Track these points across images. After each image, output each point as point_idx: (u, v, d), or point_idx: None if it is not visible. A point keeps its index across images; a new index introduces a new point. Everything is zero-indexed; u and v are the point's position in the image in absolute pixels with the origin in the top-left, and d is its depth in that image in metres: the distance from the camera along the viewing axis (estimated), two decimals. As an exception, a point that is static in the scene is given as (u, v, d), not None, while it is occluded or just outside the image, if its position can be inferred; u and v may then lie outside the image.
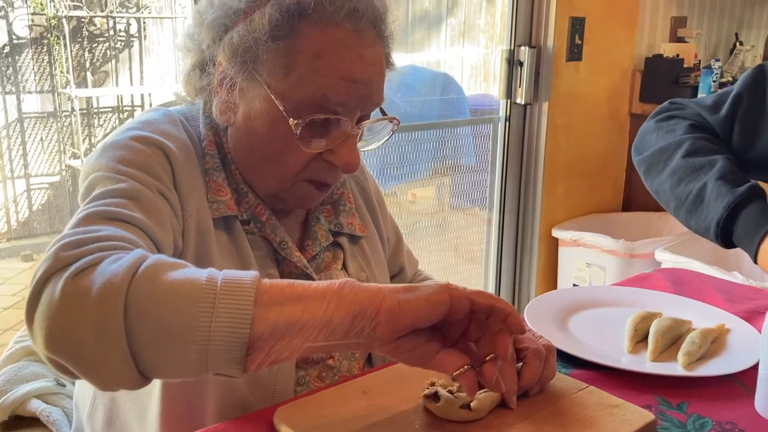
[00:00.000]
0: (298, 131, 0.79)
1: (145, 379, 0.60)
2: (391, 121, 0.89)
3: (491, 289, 2.75)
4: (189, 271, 0.60)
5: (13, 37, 4.12)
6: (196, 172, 0.84)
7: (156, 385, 0.80)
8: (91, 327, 0.57)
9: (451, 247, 2.89)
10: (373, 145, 0.90)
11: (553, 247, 2.71)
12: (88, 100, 4.37)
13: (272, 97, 0.80)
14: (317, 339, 0.60)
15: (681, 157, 1.16)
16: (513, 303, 2.78)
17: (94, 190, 0.74)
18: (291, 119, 0.79)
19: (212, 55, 0.83)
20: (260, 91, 0.81)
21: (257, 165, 0.86)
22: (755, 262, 1.04)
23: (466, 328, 0.66)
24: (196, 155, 0.85)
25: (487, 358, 0.65)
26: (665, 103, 1.30)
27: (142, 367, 0.59)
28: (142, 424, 0.82)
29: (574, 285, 2.60)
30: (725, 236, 1.08)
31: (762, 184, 1.11)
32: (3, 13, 4.01)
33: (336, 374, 0.90)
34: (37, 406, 0.91)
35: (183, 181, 0.81)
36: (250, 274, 0.60)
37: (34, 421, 0.92)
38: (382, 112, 0.88)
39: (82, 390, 0.91)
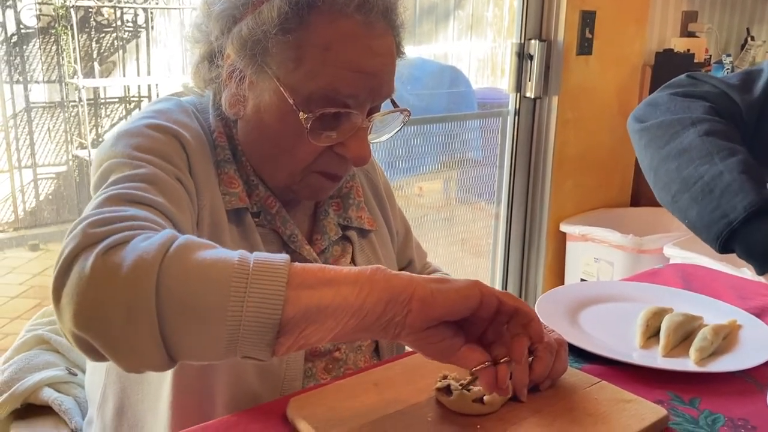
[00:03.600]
0: (309, 125, 0.79)
1: (171, 362, 0.59)
2: (401, 113, 0.88)
3: (498, 284, 2.75)
4: (220, 252, 0.60)
5: (21, 26, 4.12)
6: (209, 163, 0.84)
7: (167, 375, 0.80)
8: (122, 304, 0.56)
9: (458, 241, 2.89)
10: (384, 137, 0.90)
11: (561, 241, 2.70)
12: (95, 90, 4.38)
13: (282, 90, 0.79)
14: (348, 324, 0.59)
15: (698, 136, 1.01)
16: (520, 297, 2.78)
17: (110, 176, 0.72)
18: (301, 113, 0.78)
19: (221, 46, 0.82)
20: (270, 84, 0.80)
21: (267, 158, 0.85)
22: (760, 274, 0.98)
23: (484, 330, 0.66)
24: (208, 147, 0.85)
25: (502, 360, 0.65)
26: (682, 76, 1.17)
27: (171, 347, 0.58)
28: (153, 414, 0.83)
29: (582, 280, 2.59)
30: (728, 238, 0.98)
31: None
32: (11, 2, 4.01)
33: (342, 366, 0.90)
34: (49, 395, 0.92)
35: (198, 171, 0.81)
36: (282, 257, 0.60)
37: (46, 409, 0.92)
38: (393, 103, 0.88)
39: (93, 380, 0.91)
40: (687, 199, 1.01)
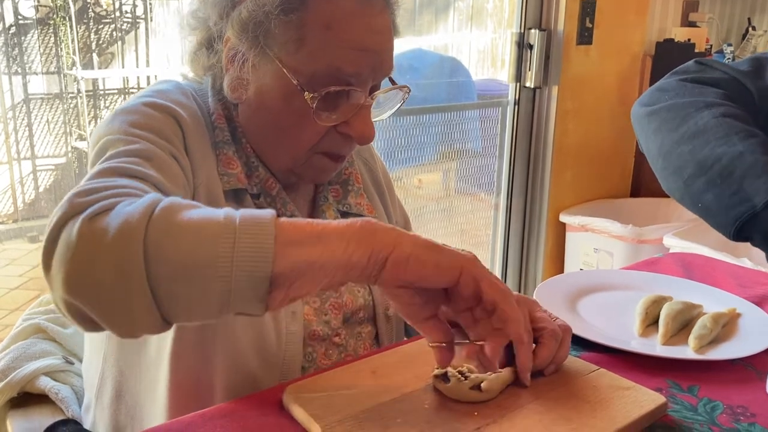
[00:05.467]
0: (314, 104, 0.79)
1: (166, 324, 0.59)
2: (401, 90, 0.89)
3: (498, 274, 2.74)
4: (205, 211, 0.60)
5: (19, 17, 4.10)
6: (206, 143, 0.84)
7: (164, 357, 0.80)
8: (110, 267, 0.56)
9: (458, 231, 2.88)
10: (385, 115, 0.91)
11: (560, 232, 2.70)
12: (94, 81, 4.36)
13: (285, 71, 0.79)
14: (336, 276, 0.60)
15: (714, 117, 0.95)
16: (519, 288, 2.78)
17: (106, 152, 0.73)
18: (306, 93, 0.79)
19: (220, 31, 0.83)
20: (272, 66, 0.80)
21: (271, 140, 0.86)
22: None
23: (472, 308, 0.66)
24: (206, 128, 0.85)
25: (464, 341, 0.68)
26: (690, 62, 1.11)
27: (164, 308, 0.58)
28: (151, 397, 0.82)
29: (582, 270, 2.59)
30: (746, 222, 0.90)
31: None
32: (9, -7, 3.99)
33: (342, 352, 0.90)
34: (45, 384, 0.91)
35: (194, 150, 0.81)
36: (267, 212, 0.60)
37: (43, 398, 0.92)
38: (391, 81, 0.88)
39: (90, 367, 0.91)
40: (702, 183, 0.92)
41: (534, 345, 0.75)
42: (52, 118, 4.30)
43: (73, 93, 4.28)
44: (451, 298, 0.66)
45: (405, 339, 1.00)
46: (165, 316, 0.58)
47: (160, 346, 0.80)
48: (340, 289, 0.91)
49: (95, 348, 0.89)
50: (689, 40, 2.76)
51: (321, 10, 0.78)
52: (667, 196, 1.04)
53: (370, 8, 0.80)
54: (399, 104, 0.90)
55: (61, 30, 4.18)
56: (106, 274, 0.56)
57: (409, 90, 0.89)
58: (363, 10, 0.80)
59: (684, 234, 2.28)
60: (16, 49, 4.12)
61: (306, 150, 0.84)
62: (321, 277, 0.60)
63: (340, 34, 0.78)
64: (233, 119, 0.88)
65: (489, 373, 0.71)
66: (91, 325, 0.60)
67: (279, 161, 0.87)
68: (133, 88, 4.55)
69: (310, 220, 0.62)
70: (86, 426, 0.91)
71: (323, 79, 0.79)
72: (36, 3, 4.13)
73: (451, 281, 0.62)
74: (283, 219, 0.60)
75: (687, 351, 0.86)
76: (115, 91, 4.49)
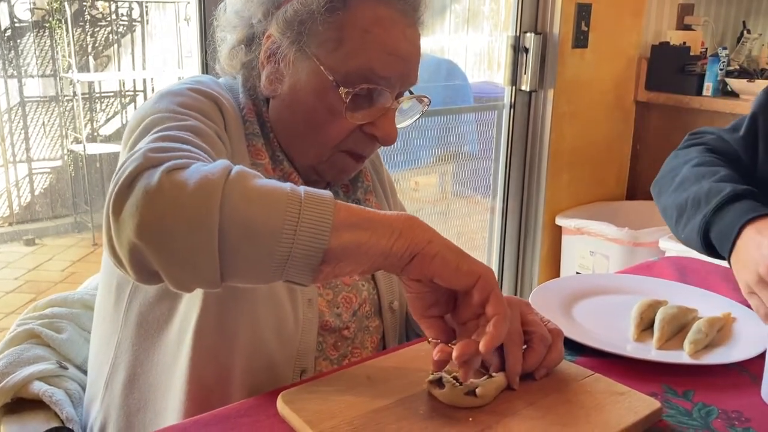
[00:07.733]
0: (348, 100, 0.84)
1: (219, 281, 0.63)
2: (421, 102, 0.94)
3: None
4: (272, 181, 0.64)
5: (15, 20, 4.10)
6: (241, 134, 0.89)
7: (187, 337, 0.80)
8: (187, 217, 0.60)
9: (454, 234, 2.88)
10: (404, 123, 0.95)
11: (556, 235, 2.70)
12: (90, 84, 4.36)
13: (321, 68, 0.84)
14: (376, 261, 0.65)
15: (690, 167, 1.11)
16: (515, 291, 2.78)
17: (155, 128, 0.75)
18: (342, 88, 0.83)
19: (262, 29, 0.88)
20: (308, 64, 0.85)
21: (299, 136, 0.90)
22: (729, 261, 0.97)
23: (475, 318, 0.68)
24: (240, 119, 0.90)
25: (451, 343, 0.70)
26: (686, 136, 1.28)
27: (225, 264, 0.61)
28: (167, 378, 0.82)
29: (578, 273, 2.59)
30: (706, 231, 1.01)
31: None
32: (4, -4, 3.99)
33: (349, 345, 0.93)
34: (39, 388, 0.91)
35: (233, 137, 0.86)
36: (327, 192, 0.64)
37: (37, 403, 0.92)
38: (411, 93, 0.93)
39: (99, 359, 0.91)
40: (684, 220, 1.07)
41: (525, 347, 0.75)
42: (48, 121, 4.30)
43: (69, 96, 4.28)
44: (460, 306, 0.69)
45: (405, 342, 1.00)
46: (223, 273, 0.62)
47: (183, 325, 0.81)
48: (350, 283, 0.94)
49: (105, 337, 0.89)
50: (684, 43, 2.77)
51: (361, 13, 0.83)
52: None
53: (405, 19, 0.86)
54: (418, 114, 0.95)
55: (57, 33, 4.18)
56: (181, 222, 0.60)
57: (430, 101, 0.94)
58: (400, 19, 0.85)
59: (680, 237, 2.28)
60: (12, 52, 4.11)
61: (331, 147, 0.88)
62: (365, 259, 0.64)
63: (377, 38, 0.84)
64: (262, 115, 0.92)
65: (483, 378, 0.72)
66: (147, 275, 0.64)
67: (304, 156, 0.91)
68: (129, 90, 4.54)
69: (361, 207, 0.66)
70: (90, 418, 0.91)
71: (356, 78, 0.84)
72: (32, 6, 4.13)
73: (467, 285, 0.66)
74: (339, 201, 0.64)
75: (682, 356, 0.87)
76: (112, 93, 4.49)
